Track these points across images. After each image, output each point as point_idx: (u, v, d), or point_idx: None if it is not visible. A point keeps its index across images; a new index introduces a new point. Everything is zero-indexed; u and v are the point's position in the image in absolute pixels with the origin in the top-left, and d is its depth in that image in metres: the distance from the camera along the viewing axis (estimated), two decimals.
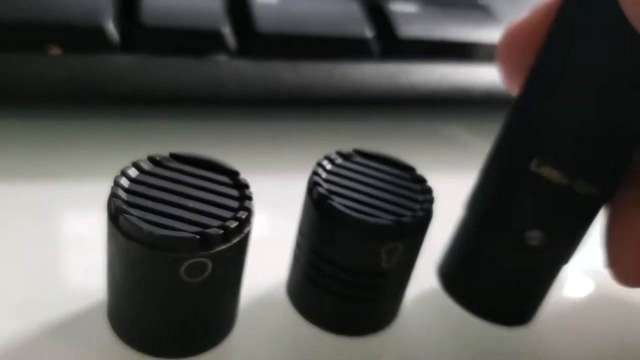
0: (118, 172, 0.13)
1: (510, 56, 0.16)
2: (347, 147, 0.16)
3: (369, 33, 0.22)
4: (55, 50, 0.19)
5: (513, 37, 0.16)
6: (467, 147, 0.18)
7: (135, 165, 0.13)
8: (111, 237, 0.13)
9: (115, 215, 0.12)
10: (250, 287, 0.15)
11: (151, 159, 0.14)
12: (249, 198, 0.13)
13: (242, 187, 0.13)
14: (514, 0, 0.27)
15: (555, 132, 0.14)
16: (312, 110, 0.21)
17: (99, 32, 0.19)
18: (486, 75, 0.23)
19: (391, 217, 0.14)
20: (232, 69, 0.20)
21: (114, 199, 0.13)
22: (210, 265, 0.12)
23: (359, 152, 0.16)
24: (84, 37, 0.19)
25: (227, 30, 0.20)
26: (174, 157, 0.14)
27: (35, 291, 0.15)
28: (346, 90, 0.21)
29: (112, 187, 0.13)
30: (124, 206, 0.12)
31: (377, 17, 0.23)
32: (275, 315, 0.16)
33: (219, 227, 0.12)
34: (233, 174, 0.14)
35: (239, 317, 0.15)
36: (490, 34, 0.24)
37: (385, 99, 0.21)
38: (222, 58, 0.20)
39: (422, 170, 0.16)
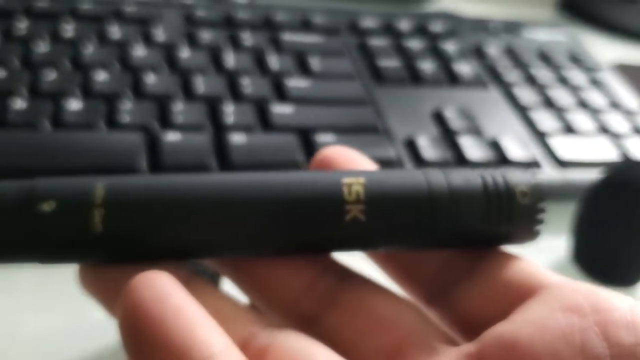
0: None
1: None
2: None
3: (299, 157, 0.36)
4: None
5: None
6: None
7: None
8: None
9: None
10: None
11: None
12: None
13: None
14: (408, 115, 0.41)
15: None
16: None
17: (136, 172, 0.33)
18: None
19: None
20: None
21: None
22: None
23: None
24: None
25: (212, 163, 0.34)
26: None
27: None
28: None
29: None
30: None
31: (306, 145, 0.37)
32: None
33: None
34: None
35: None
36: (384, 151, 0.38)
37: None
38: None
39: None
